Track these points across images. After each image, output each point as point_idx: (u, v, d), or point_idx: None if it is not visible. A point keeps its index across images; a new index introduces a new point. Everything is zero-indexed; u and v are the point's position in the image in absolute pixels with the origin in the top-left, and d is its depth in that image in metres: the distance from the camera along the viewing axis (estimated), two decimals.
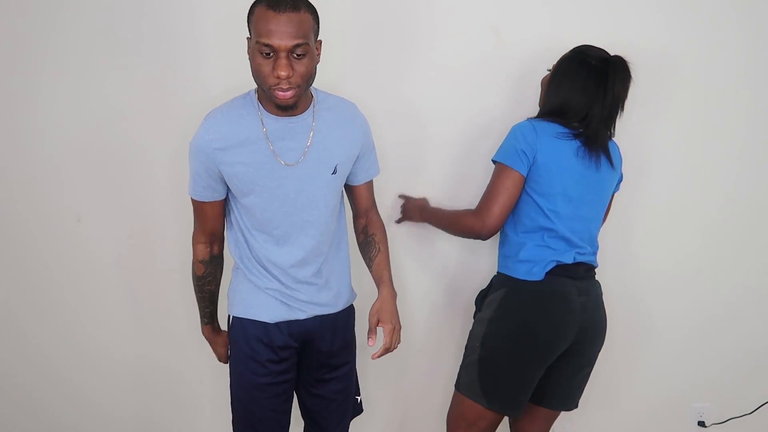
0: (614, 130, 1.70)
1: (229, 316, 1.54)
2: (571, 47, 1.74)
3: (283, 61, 1.27)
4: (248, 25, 1.32)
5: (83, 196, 1.93)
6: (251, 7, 1.30)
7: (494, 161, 1.66)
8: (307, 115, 1.43)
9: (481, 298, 1.75)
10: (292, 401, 1.57)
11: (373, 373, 2.01)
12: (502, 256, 1.71)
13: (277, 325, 1.48)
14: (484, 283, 1.81)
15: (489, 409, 1.63)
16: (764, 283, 2.11)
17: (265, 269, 1.47)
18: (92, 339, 2.01)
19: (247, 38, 1.33)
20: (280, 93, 1.30)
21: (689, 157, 2.02)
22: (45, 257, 1.96)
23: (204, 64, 1.88)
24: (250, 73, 1.33)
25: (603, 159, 1.64)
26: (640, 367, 2.13)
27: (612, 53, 1.66)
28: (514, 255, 1.64)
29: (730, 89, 1.99)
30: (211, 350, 1.68)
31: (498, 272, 1.71)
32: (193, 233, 1.51)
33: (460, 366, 1.72)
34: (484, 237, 1.64)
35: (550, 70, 1.74)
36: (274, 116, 1.40)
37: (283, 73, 1.27)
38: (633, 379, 2.14)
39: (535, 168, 1.59)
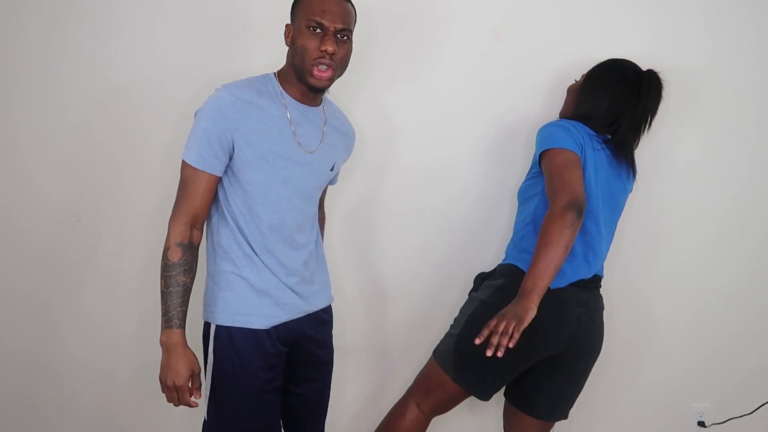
0: (638, 143, 1.72)
1: (207, 324, 1.44)
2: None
3: (330, 38, 1.37)
4: (294, 11, 1.42)
5: (83, 196, 1.92)
6: None
7: (543, 151, 1.59)
8: (320, 109, 1.50)
9: (481, 278, 1.75)
10: (279, 407, 1.52)
11: (352, 368, 2.03)
12: (520, 250, 1.66)
13: (268, 331, 1.43)
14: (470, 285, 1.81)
15: (455, 381, 1.63)
16: (765, 283, 2.11)
17: (258, 257, 1.43)
18: (93, 340, 2.00)
19: (287, 25, 1.44)
20: (318, 72, 1.38)
21: (697, 165, 2.04)
22: (45, 257, 1.95)
23: (197, 56, 1.88)
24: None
25: (626, 168, 1.67)
26: (640, 367, 2.12)
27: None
28: None
29: (737, 98, 2.02)
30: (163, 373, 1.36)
31: (507, 263, 1.68)
32: (172, 215, 1.39)
33: (445, 333, 1.72)
34: (581, 202, 1.45)
35: (577, 80, 1.78)
36: (294, 101, 1.44)
37: (330, 48, 1.36)
38: (633, 379, 2.13)
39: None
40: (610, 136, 1.67)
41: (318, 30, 1.37)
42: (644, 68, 1.72)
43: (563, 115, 1.80)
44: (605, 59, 1.76)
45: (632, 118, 1.67)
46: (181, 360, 1.35)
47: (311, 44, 1.37)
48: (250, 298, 1.43)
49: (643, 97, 1.66)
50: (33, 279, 1.96)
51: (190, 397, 1.38)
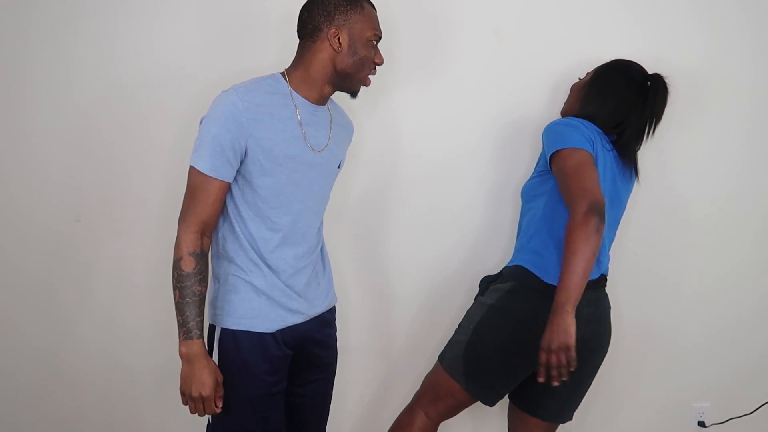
0: (640, 147, 1.71)
1: (212, 326, 1.43)
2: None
3: (379, 50, 1.46)
4: (342, 17, 1.39)
5: (83, 196, 1.90)
6: (354, 3, 1.40)
7: (555, 152, 1.55)
8: (326, 108, 1.49)
9: (487, 282, 1.72)
10: (283, 410, 1.50)
11: (355, 369, 2.01)
12: (529, 251, 1.63)
13: (273, 334, 1.42)
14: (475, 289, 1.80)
15: (466, 390, 1.61)
16: (765, 284, 2.11)
17: (265, 262, 1.41)
18: (94, 341, 1.98)
19: (335, 29, 1.38)
20: (368, 81, 1.47)
21: (697, 164, 2.04)
22: (45, 257, 1.93)
23: (202, 55, 1.86)
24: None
25: (630, 169, 1.66)
26: (640, 367, 2.12)
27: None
28: (548, 255, 1.58)
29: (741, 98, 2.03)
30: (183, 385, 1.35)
31: (515, 264, 1.66)
32: (182, 223, 1.35)
33: (449, 340, 1.70)
34: (602, 205, 1.43)
35: (581, 78, 1.76)
36: (305, 101, 1.42)
37: (383, 61, 1.46)
38: (633, 379, 2.13)
39: None
40: (615, 138, 1.67)
41: (376, 42, 1.45)
42: (648, 70, 1.70)
43: (566, 113, 1.78)
44: (611, 59, 1.74)
45: (638, 122, 1.66)
46: (205, 370, 1.34)
47: (370, 56, 1.43)
48: (256, 301, 1.41)
49: (650, 103, 1.65)
50: (35, 278, 1.94)
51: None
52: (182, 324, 1.33)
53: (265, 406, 1.43)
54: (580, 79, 1.79)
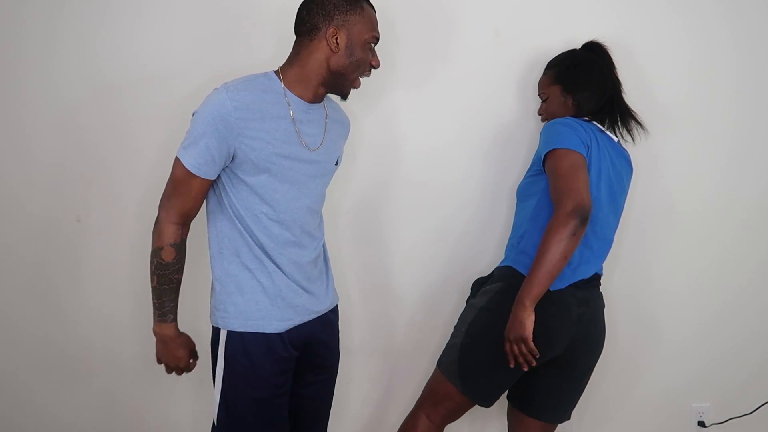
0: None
1: (216, 329, 1.43)
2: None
3: (376, 53, 1.46)
4: (342, 17, 1.38)
5: (83, 196, 1.91)
6: (354, 4, 1.39)
7: (549, 151, 1.55)
8: (322, 106, 1.49)
9: (479, 284, 1.73)
10: (287, 408, 1.51)
11: (358, 370, 2.02)
12: (519, 251, 1.64)
13: (280, 335, 1.42)
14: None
15: (462, 393, 1.62)
16: (764, 284, 2.11)
17: (271, 259, 1.41)
18: (93, 340, 1.98)
19: (333, 28, 1.38)
20: (358, 83, 1.46)
21: (691, 158, 2.04)
22: (45, 257, 1.94)
23: (197, 52, 1.87)
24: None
25: (626, 167, 1.68)
26: (640, 366, 2.12)
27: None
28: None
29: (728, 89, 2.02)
30: (163, 355, 1.46)
31: (505, 265, 1.67)
32: (163, 212, 1.38)
33: (446, 344, 1.71)
34: (587, 208, 1.43)
35: (542, 98, 1.78)
36: (298, 99, 1.42)
37: (379, 63, 1.46)
38: (633, 380, 2.13)
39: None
40: (607, 115, 1.70)
41: (374, 45, 1.44)
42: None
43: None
44: (552, 64, 1.78)
45: (615, 85, 1.72)
46: (180, 348, 1.47)
47: (367, 58, 1.43)
48: (262, 302, 1.41)
49: (608, 62, 1.72)
50: (36, 278, 1.94)
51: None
52: (158, 307, 1.42)
53: (271, 408, 1.43)
54: (542, 99, 1.79)
